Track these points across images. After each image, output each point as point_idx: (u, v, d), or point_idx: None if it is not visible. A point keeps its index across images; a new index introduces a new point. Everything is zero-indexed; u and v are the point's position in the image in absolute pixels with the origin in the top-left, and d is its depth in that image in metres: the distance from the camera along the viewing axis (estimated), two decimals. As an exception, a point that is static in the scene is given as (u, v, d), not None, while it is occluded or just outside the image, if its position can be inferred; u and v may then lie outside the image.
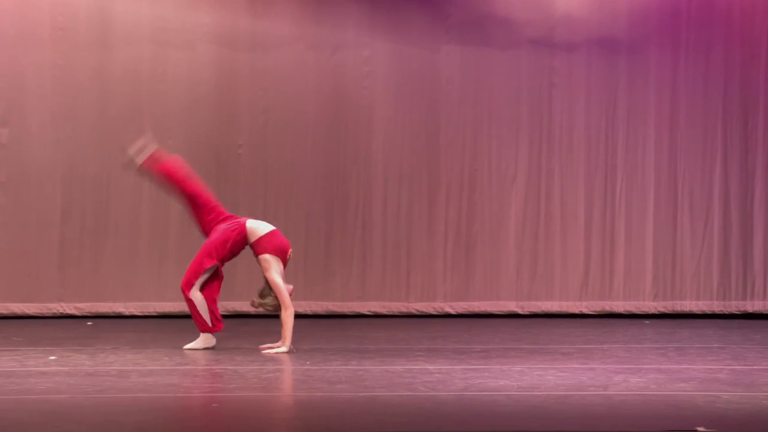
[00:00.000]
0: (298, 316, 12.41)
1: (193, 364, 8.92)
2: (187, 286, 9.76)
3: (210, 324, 9.79)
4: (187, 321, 12.09)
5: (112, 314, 12.18)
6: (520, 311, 12.88)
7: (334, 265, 12.61)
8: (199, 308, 9.75)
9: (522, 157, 12.90)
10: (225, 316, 12.26)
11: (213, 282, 9.85)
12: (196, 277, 9.76)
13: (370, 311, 12.67)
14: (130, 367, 8.74)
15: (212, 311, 9.79)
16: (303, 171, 12.58)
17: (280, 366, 8.84)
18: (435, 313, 12.76)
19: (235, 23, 12.42)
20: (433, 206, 12.78)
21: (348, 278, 12.64)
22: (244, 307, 12.44)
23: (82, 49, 12.17)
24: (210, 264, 9.76)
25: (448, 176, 12.81)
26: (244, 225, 9.84)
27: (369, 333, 11.22)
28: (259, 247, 9.79)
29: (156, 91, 12.30)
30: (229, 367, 8.76)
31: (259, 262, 9.80)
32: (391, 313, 12.68)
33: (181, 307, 12.23)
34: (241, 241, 9.83)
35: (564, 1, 12.84)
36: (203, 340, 9.83)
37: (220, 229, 9.82)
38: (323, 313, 12.57)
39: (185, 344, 9.98)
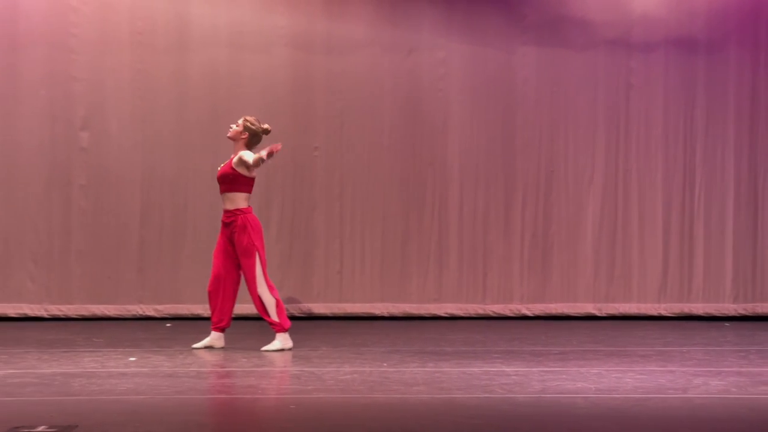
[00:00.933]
0: (374, 318, 12.45)
1: (270, 365, 8.96)
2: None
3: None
4: (259, 323, 12.17)
5: (190, 316, 12.27)
6: (597, 313, 12.79)
7: (411, 268, 12.62)
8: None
9: (599, 158, 12.82)
10: (300, 318, 12.33)
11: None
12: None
13: (446, 313, 12.65)
14: (209, 368, 8.80)
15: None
16: (379, 173, 12.60)
17: (357, 368, 8.85)
18: (512, 315, 12.71)
19: (311, 26, 12.47)
20: (510, 208, 12.74)
21: (424, 280, 12.63)
22: (321, 309, 12.49)
23: (160, 53, 12.29)
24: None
25: (525, 178, 12.76)
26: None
27: (446, 335, 11.20)
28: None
29: (233, 94, 12.38)
30: (306, 369, 8.79)
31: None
32: (467, 315, 12.66)
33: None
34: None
35: (641, 1, 12.74)
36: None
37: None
38: (400, 315, 12.57)
39: (263, 346, 10.03)
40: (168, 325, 11.90)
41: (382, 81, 12.57)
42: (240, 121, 10.02)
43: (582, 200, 12.81)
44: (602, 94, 12.79)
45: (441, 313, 12.64)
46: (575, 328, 11.91)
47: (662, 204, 12.83)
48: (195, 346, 9.97)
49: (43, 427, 6.49)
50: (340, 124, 12.54)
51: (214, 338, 9.99)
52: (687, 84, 12.81)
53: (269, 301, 9.82)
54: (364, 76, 12.54)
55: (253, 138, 10.00)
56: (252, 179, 9.95)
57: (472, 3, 12.64)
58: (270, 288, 9.85)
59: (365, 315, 12.52)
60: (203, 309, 12.28)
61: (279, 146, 9.73)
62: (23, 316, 12.00)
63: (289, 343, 9.91)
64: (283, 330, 9.89)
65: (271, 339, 9.93)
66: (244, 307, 12.37)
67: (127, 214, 12.26)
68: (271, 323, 9.87)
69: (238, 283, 9.98)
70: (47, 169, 12.13)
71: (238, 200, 9.89)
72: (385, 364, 9.07)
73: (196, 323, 12.02)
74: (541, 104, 12.76)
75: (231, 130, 10.04)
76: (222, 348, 9.93)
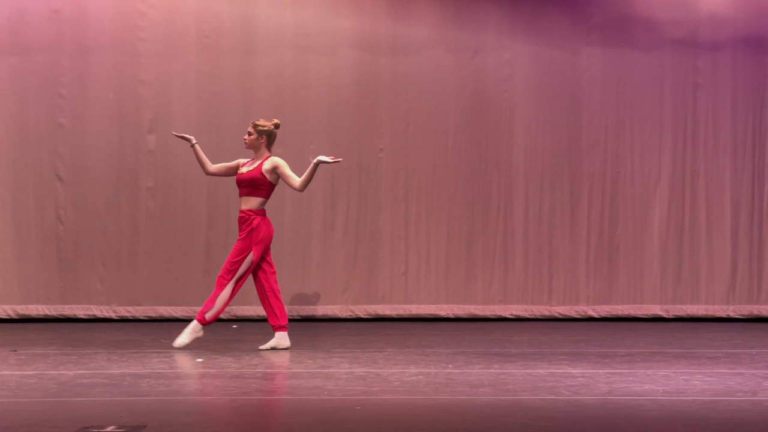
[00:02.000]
0: (439, 320, 12.45)
1: (336, 366, 8.99)
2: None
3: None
4: (331, 324, 12.21)
5: (256, 317, 12.33)
6: (664, 315, 12.70)
7: (476, 269, 12.60)
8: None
9: (666, 158, 12.73)
10: (365, 319, 12.36)
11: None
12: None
13: (512, 314, 12.62)
14: (275, 369, 8.84)
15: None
16: (444, 174, 12.59)
17: (422, 369, 8.86)
18: (578, 316, 12.66)
19: (376, 28, 12.49)
20: (576, 209, 12.68)
21: (490, 282, 12.61)
22: (387, 310, 12.51)
23: (226, 56, 12.37)
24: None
25: (590, 179, 12.70)
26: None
27: (511, 336, 11.17)
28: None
29: (298, 96, 12.43)
30: (371, 370, 8.80)
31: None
32: (533, 317, 12.62)
33: (323, 310, 12.38)
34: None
35: (708, 0, 12.63)
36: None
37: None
38: (465, 316, 12.56)
39: (331, 347, 10.06)
40: (234, 326, 11.97)
41: (447, 82, 12.56)
42: (251, 129, 10.05)
43: (648, 201, 12.72)
44: (669, 94, 12.70)
45: (506, 314, 12.61)
46: (642, 330, 11.83)
47: (730, 204, 12.71)
48: (261, 347, 10.02)
49: (112, 427, 6.56)
50: (405, 126, 12.55)
51: (279, 338, 10.03)
52: (755, 83, 12.69)
53: (223, 298, 9.82)
54: (429, 78, 12.54)
55: (270, 137, 10.08)
56: (274, 187, 10.02)
57: (538, 4, 12.60)
58: (234, 291, 9.85)
59: (430, 316, 12.52)
60: (269, 310, 12.35)
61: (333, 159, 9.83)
62: (92, 317, 12.13)
63: (200, 334, 9.91)
64: (204, 323, 9.90)
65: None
66: (302, 309, 12.43)
67: (194, 216, 12.35)
68: (201, 311, 9.89)
69: (273, 275, 9.99)
70: (115, 171, 12.25)
71: (257, 204, 9.97)
72: (450, 366, 9.06)
73: (262, 324, 12.07)
74: (606, 104, 12.69)
75: (246, 140, 10.07)
76: (287, 348, 9.97)
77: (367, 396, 7.69)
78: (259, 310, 12.32)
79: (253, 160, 10.06)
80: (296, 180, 9.87)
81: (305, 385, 8.11)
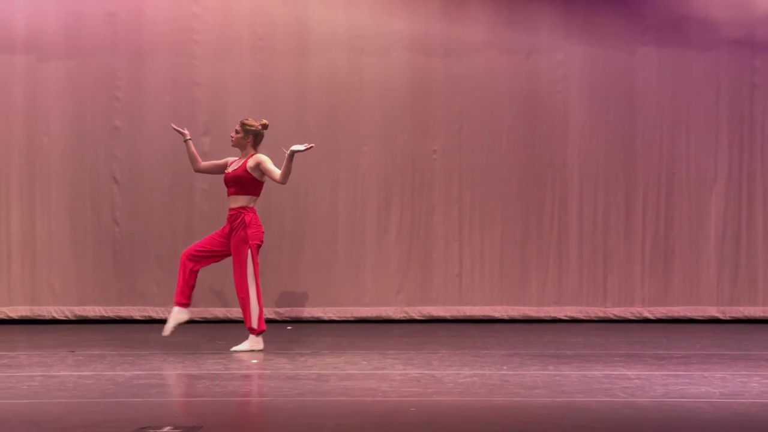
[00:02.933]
0: (493, 321, 12.42)
1: (390, 368, 8.99)
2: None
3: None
4: (385, 326, 12.22)
5: (310, 319, 12.37)
6: (721, 316, 12.60)
7: (530, 270, 12.56)
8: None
9: (722, 159, 12.63)
10: (419, 321, 12.36)
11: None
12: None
13: (566, 316, 12.57)
14: (329, 370, 8.86)
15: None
16: (498, 176, 12.56)
17: (476, 371, 8.84)
18: (633, 317, 12.58)
19: (429, 29, 12.48)
20: (631, 210, 12.62)
21: (544, 283, 12.57)
22: (441, 312, 12.49)
23: (279, 58, 12.41)
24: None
25: (646, 179, 12.62)
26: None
27: (566, 338, 11.13)
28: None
29: (352, 98, 12.45)
30: (426, 372, 8.80)
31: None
32: (588, 318, 12.56)
33: (377, 312, 12.38)
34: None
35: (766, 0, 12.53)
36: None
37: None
38: (520, 317, 12.52)
39: (385, 349, 10.07)
40: (289, 327, 12.00)
41: (501, 83, 12.54)
42: (238, 127, 10.08)
43: (704, 202, 12.63)
44: (725, 95, 12.60)
45: (561, 315, 12.57)
46: (698, 332, 11.74)
47: (788, 205, 12.61)
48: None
49: (168, 427, 6.60)
50: (459, 127, 12.54)
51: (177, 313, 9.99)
52: (813, 83, 12.58)
53: (254, 303, 9.85)
54: (482, 79, 12.52)
55: (257, 137, 10.11)
56: (262, 184, 10.04)
57: (592, 4, 12.55)
58: (258, 290, 9.87)
59: (484, 318, 12.50)
60: (323, 312, 12.39)
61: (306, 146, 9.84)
62: (148, 318, 12.21)
63: (259, 346, 9.93)
64: (256, 334, 9.92)
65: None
66: (356, 310, 12.44)
67: (249, 217, 12.39)
68: (248, 326, 9.91)
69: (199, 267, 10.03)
70: (171, 174, 12.33)
71: (246, 201, 10.00)
72: (504, 367, 9.04)
73: (316, 326, 12.11)
74: (662, 105, 12.61)
75: (233, 138, 10.10)
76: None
77: (421, 397, 7.69)
78: (313, 312, 12.36)
79: (239, 158, 10.11)
80: (277, 173, 9.90)
81: (360, 387, 8.12)
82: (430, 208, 12.53)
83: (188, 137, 10.24)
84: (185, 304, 9.96)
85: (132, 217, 12.30)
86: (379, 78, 12.45)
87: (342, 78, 12.45)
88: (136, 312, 12.24)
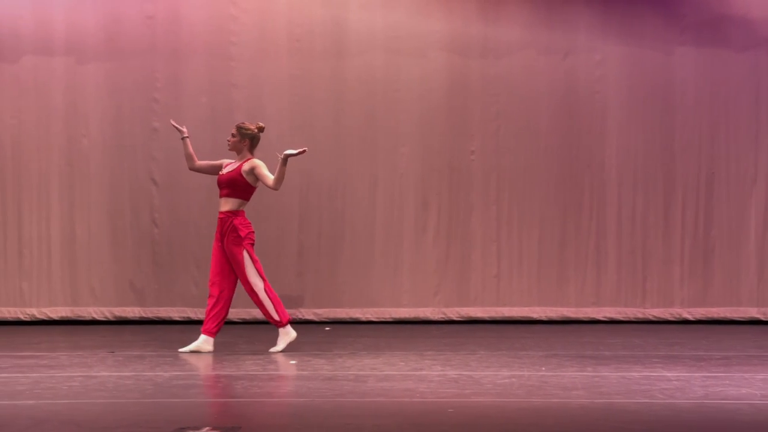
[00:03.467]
0: (532, 322, 12.39)
1: (428, 369, 8.99)
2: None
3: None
4: (423, 327, 12.22)
5: (348, 320, 12.39)
6: (762, 318, 12.52)
7: (569, 271, 12.52)
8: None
9: (762, 159, 12.55)
10: (457, 321, 12.35)
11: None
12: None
13: (605, 317, 12.53)
14: (367, 371, 8.87)
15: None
16: (536, 176, 12.54)
17: (515, 372, 8.83)
18: (672, 319, 12.52)
19: (467, 30, 12.47)
20: (669, 210, 12.56)
21: (583, 284, 12.53)
22: (479, 313, 12.47)
23: (317, 60, 12.43)
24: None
25: (684, 180, 12.56)
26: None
27: (604, 339, 11.09)
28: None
29: (389, 99, 12.46)
30: (464, 373, 8.79)
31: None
32: (626, 319, 12.51)
33: (416, 313, 12.39)
34: None
35: (805, -2, 12.45)
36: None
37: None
38: (558, 318, 12.49)
39: (423, 350, 10.06)
40: (327, 328, 12.02)
41: (539, 84, 12.51)
42: (234, 131, 10.10)
43: (744, 202, 12.55)
44: (765, 94, 12.52)
45: (599, 316, 12.52)
46: (738, 333, 11.68)
47: (828, 205, 12.52)
48: (182, 350, 10.00)
49: (207, 428, 6.63)
50: (497, 128, 12.52)
51: (202, 342, 10.01)
52: None
53: (266, 300, 9.85)
54: (520, 79, 12.50)
55: (253, 140, 10.12)
56: (254, 189, 10.09)
57: (630, 4, 12.50)
58: (266, 284, 9.89)
59: (523, 318, 12.47)
60: (361, 313, 12.40)
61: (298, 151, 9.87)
62: (187, 319, 12.25)
63: (292, 335, 9.96)
64: (283, 325, 9.91)
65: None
66: (395, 311, 12.44)
67: (286, 219, 12.43)
68: (272, 321, 9.92)
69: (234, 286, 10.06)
70: (209, 175, 12.34)
71: (236, 205, 10.02)
72: (543, 368, 9.02)
73: (355, 327, 12.13)
74: (700, 105, 12.54)
75: (230, 142, 10.13)
76: (209, 352, 9.94)
77: (459, 398, 7.69)
78: (351, 313, 12.38)
79: (235, 161, 10.13)
80: (270, 178, 9.91)
81: (398, 388, 8.12)
82: (467, 209, 12.52)
83: (186, 135, 10.31)
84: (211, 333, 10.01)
85: (170, 219, 12.35)
86: (416, 79, 12.45)
87: (379, 79, 12.45)
88: (174, 313, 12.29)
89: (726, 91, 12.53)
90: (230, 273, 9.99)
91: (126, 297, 12.26)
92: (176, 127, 10.37)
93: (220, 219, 10.02)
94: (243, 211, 10.05)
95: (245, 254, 9.92)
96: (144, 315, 12.32)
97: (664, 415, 7.10)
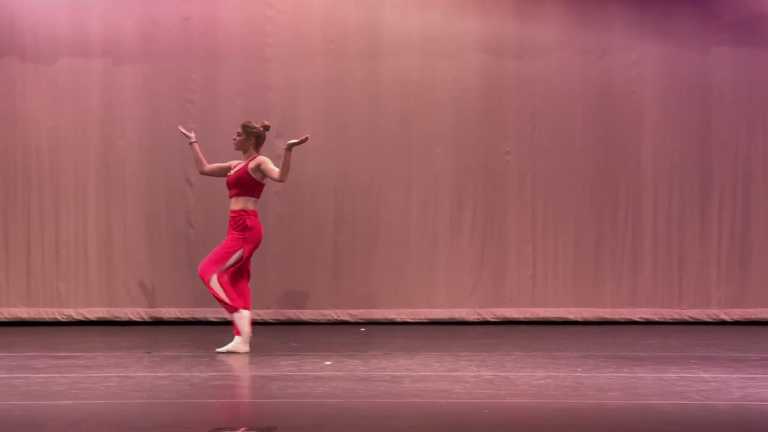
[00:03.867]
0: (567, 323, 12.36)
1: (463, 370, 8.98)
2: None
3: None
4: (458, 328, 12.21)
5: (383, 320, 12.39)
6: (799, 319, 12.46)
7: (604, 272, 12.48)
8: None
9: (800, 158, 12.50)
10: (493, 322, 12.32)
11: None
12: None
13: (641, 318, 12.48)
14: (403, 372, 8.87)
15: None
16: (571, 177, 12.50)
17: (550, 373, 8.81)
18: (709, 320, 12.46)
19: (502, 30, 12.45)
20: (706, 211, 12.49)
21: (618, 284, 12.48)
22: (514, 314, 12.45)
23: (351, 61, 12.44)
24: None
25: (721, 180, 12.50)
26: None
27: (640, 340, 11.05)
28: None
29: (424, 100, 12.45)
30: (499, 374, 8.78)
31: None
32: (663, 320, 12.46)
33: (451, 314, 12.38)
34: None
35: (843, -4, 12.37)
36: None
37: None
38: (594, 319, 12.45)
39: (459, 350, 10.06)
40: (362, 329, 12.03)
41: (574, 84, 12.47)
42: (240, 129, 10.13)
43: (782, 202, 12.50)
44: (802, 93, 12.46)
45: (635, 317, 12.47)
46: (776, 334, 11.62)
47: None
48: (218, 350, 10.03)
49: (243, 429, 6.64)
50: (532, 128, 12.49)
51: (238, 343, 10.03)
52: None
53: (216, 286, 9.87)
54: (555, 80, 12.47)
55: (258, 139, 10.17)
56: (263, 186, 10.10)
57: (666, 3, 12.45)
58: (222, 281, 9.91)
59: (558, 319, 12.44)
60: (396, 313, 12.40)
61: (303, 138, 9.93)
62: (222, 320, 12.28)
63: (244, 320, 9.98)
64: (236, 311, 9.92)
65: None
66: (430, 312, 12.43)
67: (321, 220, 12.45)
68: (225, 305, 9.92)
69: (248, 282, 10.08)
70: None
71: (247, 203, 10.04)
72: (579, 369, 9.00)
73: (390, 327, 12.13)
74: (737, 105, 12.48)
75: (235, 140, 10.17)
76: (246, 353, 9.96)
77: (495, 399, 7.68)
78: (386, 314, 12.38)
79: (242, 161, 10.15)
80: (276, 171, 9.94)
81: (433, 388, 8.12)
82: (503, 210, 12.50)
83: (193, 140, 10.40)
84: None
85: (206, 219, 12.39)
86: (451, 79, 12.44)
87: (414, 80, 12.45)
88: (210, 314, 12.32)
89: (763, 91, 12.46)
90: (240, 268, 10.01)
91: (162, 298, 12.30)
92: (184, 133, 10.45)
93: (232, 217, 10.08)
94: (256, 211, 10.08)
95: (239, 253, 9.96)
96: (180, 316, 12.37)
97: (701, 417, 7.06)
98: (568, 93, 12.47)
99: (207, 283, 9.95)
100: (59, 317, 12.34)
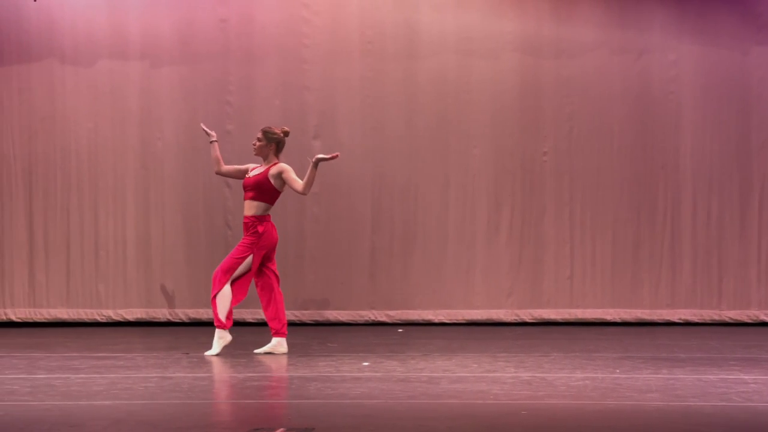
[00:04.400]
0: (605, 324, 12.31)
1: (501, 371, 8.97)
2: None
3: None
4: (496, 328, 12.18)
5: (421, 321, 12.38)
6: (840, 320, 12.36)
7: (643, 273, 12.43)
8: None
9: (841, 158, 12.40)
10: (530, 323, 12.30)
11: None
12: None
13: (680, 319, 12.41)
14: (440, 373, 8.86)
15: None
16: (609, 177, 12.46)
17: (588, 374, 8.77)
18: (749, 321, 12.38)
19: (539, 30, 12.42)
20: (745, 211, 12.41)
21: (657, 286, 12.43)
22: (552, 315, 12.41)
23: (389, 62, 12.45)
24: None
25: (761, 179, 12.41)
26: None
27: (679, 341, 11.00)
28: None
29: (461, 100, 12.44)
30: (537, 375, 8.76)
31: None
32: (702, 321, 12.39)
33: (489, 315, 12.36)
34: None
35: None
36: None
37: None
38: (632, 320, 12.40)
39: (496, 351, 10.04)
40: (400, 330, 12.03)
41: (612, 84, 12.43)
42: (260, 135, 10.10)
43: (822, 202, 12.40)
44: (843, 93, 12.36)
45: (674, 318, 12.41)
46: (817, 335, 11.53)
47: None
48: (257, 351, 10.05)
49: (281, 429, 6.66)
50: (569, 129, 12.46)
51: (276, 343, 10.05)
52: None
53: (225, 296, 9.90)
54: (593, 80, 12.42)
55: (279, 145, 10.16)
56: (279, 193, 10.10)
57: (705, 2, 12.38)
58: (234, 290, 9.94)
59: (596, 321, 12.40)
60: (434, 314, 12.40)
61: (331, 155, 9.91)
62: (260, 321, 12.31)
63: (227, 339, 9.99)
64: (225, 327, 9.94)
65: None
66: (467, 313, 12.41)
67: (359, 220, 12.46)
68: (216, 317, 9.92)
69: (278, 280, 10.07)
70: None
71: (261, 209, 10.04)
72: (617, 371, 8.96)
73: (427, 329, 12.12)
74: (777, 104, 12.40)
75: (255, 146, 10.15)
76: (285, 354, 9.95)
77: (533, 400, 7.66)
78: (423, 314, 12.37)
79: (262, 166, 10.14)
80: (299, 183, 9.91)
81: (471, 389, 8.11)
82: (540, 210, 12.47)
83: (214, 139, 10.40)
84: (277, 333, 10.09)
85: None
86: (488, 80, 12.42)
87: (451, 80, 12.44)
88: (248, 315, 12.35)
89: (803, 90, 12.38)
90: (263, 268, 10.03)
91: (200, 299, 12.34)
92: (206, 131, 10.46)
93: (245, 223, 10.09)
94: (269, 216, 10.09)
95: (249, 259, 9.97)
96: (218, 316, 12.38)
97: (741, 419, 7.02)
98: (605, 93, 12.43)
99: (213, 296, 9.97)
100: (98, 318, 12.41)
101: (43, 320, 12.42)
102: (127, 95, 12.43)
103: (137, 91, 12.43)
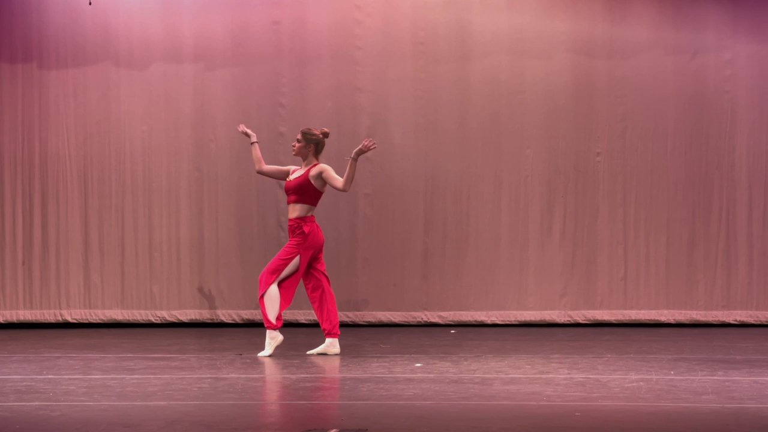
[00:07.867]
0: (659, 325, 12.23)
1: (555, 372, 8.94)
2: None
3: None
4: (549, 330, 12.15)
5: (474, 323, 12.37)
6: None
7: (697, 274, 12.34)
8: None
9: None
10: (583, 324, 12.24)
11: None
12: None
13: (736, 320, 12.32)
14: (493, 374, 8.85)
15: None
16: (663, 178, 12.38)
17: (643, 376, 8.73)
18: (805, 322, 12.28)
19: (592, 30, 12.37)
20: (802, 211, 12.31)
21: (712, 286, 12.34)
22: (606, 316, 12.35)
23: (441, 63, 12.44)
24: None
25: (818, 180, 12.30)
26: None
27: (735, 343, 10.91)
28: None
29: (514, 101, 12.41)
30: (591, 376, 8.72)
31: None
32: (758, 323, 12.29)
33: (542, 316, 12.33)
34: None
35: None
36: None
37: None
38: (687, 322, 12.32)
39: (550, 353, 10.01)
40: (452, 331, 12.02)
41: (666, 84, 12.35)
42: (299, 136, 10.11)
43: None
44: None
45: (730, 320, 12.32)
46: None
47: None
48: (309, 352, 10.07)
49: (334, 430, 6.68)
50: (623, 129, 12.39)
51: (329, 344, 10.06)
52: None
53: (273, 297, 9.92)
54: (647, 80, 12.36)
55: (318, 146, 10.15)
56: (321, 194, 10.10)
57: (760, 1, 12.27)
58: (282, 291, 9.97)
59: (650, 322, 12.33)
60: (486, 316, 12.38)
61: (369, 143, 9.90)
62: (314, 322, 12.35)
63: (278, 339, 10.02)
64: (275, 327, 9.97)
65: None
66: (520, 314, 12.39)
67: (411, 222, 12.46)
68: (265, 318, 9.94)
69: (328, 281, 10.08)
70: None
71: (305, 210, 10.05)
72: (672, 372, 8.91)
73: (480, 330, 12.11)
74: (834, 103, 12.28)
75: (295, 147, 10.17)
76: (337, 354, 9.94)
77: (586, 402, 7.63)
78: (476, 316, 12.36)
79: (302, 168, 10.14)
80: (339, 180, 9.92)
81: (524, 391, 8.09)
82: (593, 211, 12.42)
83: (255, 140, 10.49)
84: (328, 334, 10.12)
85: (297, 222, 12.44)
86: (541, 80, 12.39)
87: (504, 81, 12.42)
88: (301, 316, 12.40)
89: None
90: (311, 270, 10.05)
91: (253, 300, 12.39)
92: (246, 132, 10.53)
93: (290, 226, 10.12)
94: (313, 217, 10.12)
95: (297, 260, 10.00)
96: (271, 317, 12.43)
97: (797, 421, 6.96)
98: (659, 93, 12.36)
99: (261, 297, 10.01)
100: (152, 319, 12.50)
101: (99, 321, 12.52)
102: (180, 98, 12.51)
103: (191, 93, 12.51)
